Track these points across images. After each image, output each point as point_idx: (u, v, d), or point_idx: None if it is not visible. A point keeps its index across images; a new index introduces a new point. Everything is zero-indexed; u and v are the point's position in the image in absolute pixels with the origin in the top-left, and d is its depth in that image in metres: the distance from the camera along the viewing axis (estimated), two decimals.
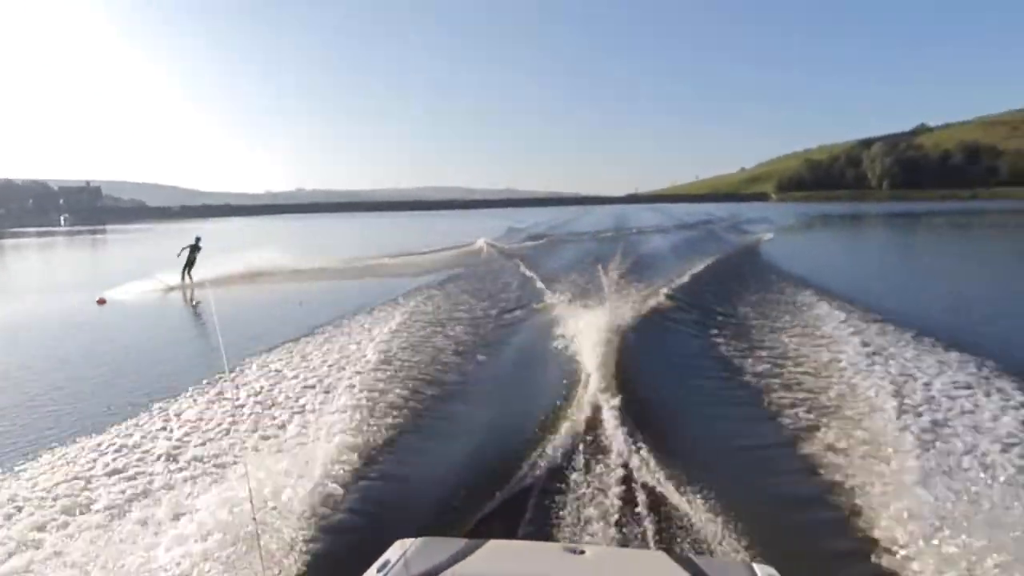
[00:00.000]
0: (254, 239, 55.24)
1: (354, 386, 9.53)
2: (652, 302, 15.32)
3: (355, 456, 7.12)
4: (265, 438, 7.95)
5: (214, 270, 25.87)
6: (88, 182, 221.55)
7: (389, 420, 8.35)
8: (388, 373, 10.30)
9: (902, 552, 5.01)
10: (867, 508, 5.77)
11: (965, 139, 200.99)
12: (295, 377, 10.50)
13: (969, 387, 8.95)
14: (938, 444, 6.93)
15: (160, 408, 9.26)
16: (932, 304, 17.73)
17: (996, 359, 10.14)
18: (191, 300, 23.03)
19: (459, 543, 2.80)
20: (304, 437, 7.78)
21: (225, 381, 10.22)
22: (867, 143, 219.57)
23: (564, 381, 9.46)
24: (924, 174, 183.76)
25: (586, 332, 11.30)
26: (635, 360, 10.23)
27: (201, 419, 8.67)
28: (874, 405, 8.22)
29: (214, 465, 7.14)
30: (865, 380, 9.25)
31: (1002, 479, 6.12)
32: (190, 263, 25.54)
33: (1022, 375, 9.41)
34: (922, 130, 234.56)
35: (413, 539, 2.85)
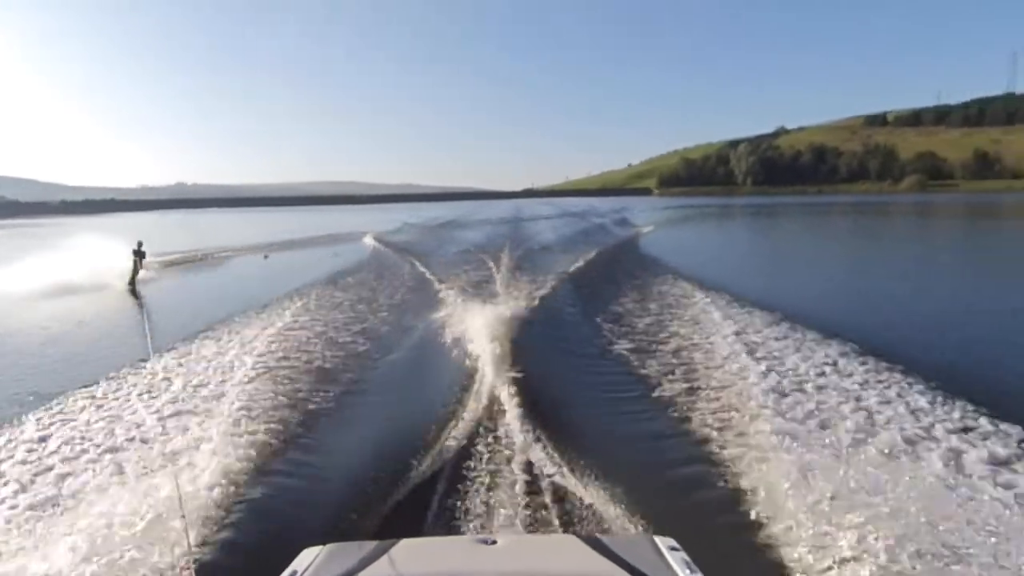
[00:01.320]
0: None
1: (240, 393, 8.69)
2: (543, 292, 15.39)
3: (248, 466, 6.47)
4: (144, 452, 6.98)
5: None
6: None
7: (282, 426, 7.64)
8: (279, 378, 9.50)
9: (777, 509, 5.32)
10: (745, 472, 6.06)
11: (814, 141, 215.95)
12: (173, 386, 9.35)
13: (831, 363, 9.60)
14: (799, 412, 7.36)
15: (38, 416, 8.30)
16: (789, 285, 19.53)
17: (844, 334, 11.12)
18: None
19: (369, 546, 2.69)
20: (188, 449, 6.93)
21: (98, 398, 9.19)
22: (734, 144, 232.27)
23: (461, 375, 9.26)
24: (780, 172, 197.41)
25: (480, 325, 11.06)
26: (530, 351, 10.17)
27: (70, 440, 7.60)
28: (745, 381, 8.62)
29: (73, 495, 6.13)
30: (735, 358, 9.75)
31: (851, 438, 6.62)
32: (135, 271, 23.01)
33: (853, 341, 10.51)
34: (781, 132, 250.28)
35: (320, 546, 2.72)
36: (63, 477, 6.34)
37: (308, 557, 2.64)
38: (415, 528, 5.37)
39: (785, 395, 7.97)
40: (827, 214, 72.96)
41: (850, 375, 8.90)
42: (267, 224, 73.79)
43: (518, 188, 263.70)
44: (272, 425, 7.58)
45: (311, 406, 8.47)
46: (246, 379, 9.33)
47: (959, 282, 20.74)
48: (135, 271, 22.98)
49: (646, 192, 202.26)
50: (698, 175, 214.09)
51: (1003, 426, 6.92)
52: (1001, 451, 6.30)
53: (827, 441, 6.47)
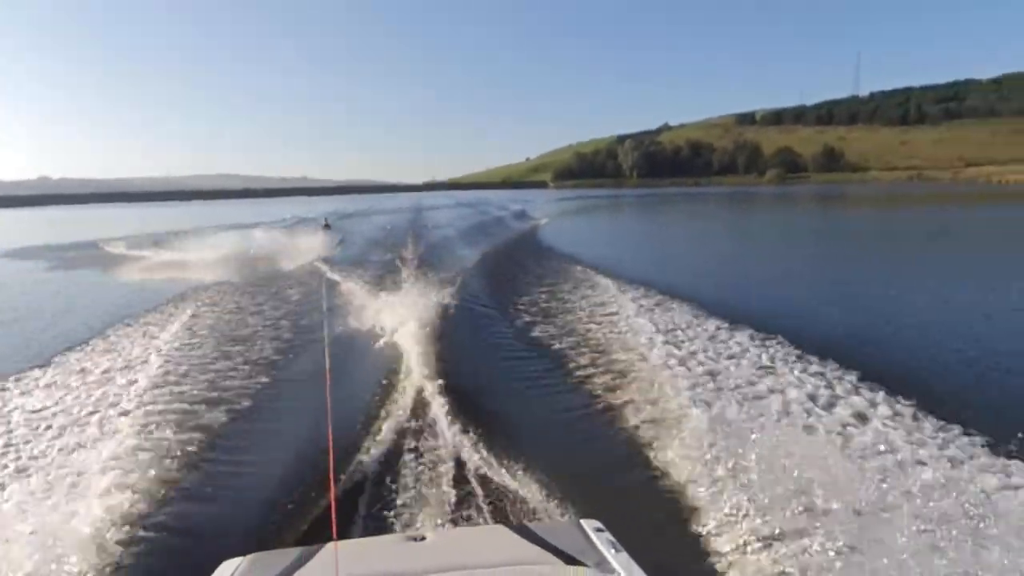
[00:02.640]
0: None
1: (144, 401, 7.93)
2: (457, 286, 14.91)
3: (158, 479, 5.88)
4: (45, 461, 6.28)
5: None
6: None
7: (192, 435, 6.98)
8: (186, 383, 8.74)
9: (693, 486, 5.44)
10: (662, 452, 6.16)
11: (691, 137, 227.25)
12: (72, 395, 8.44)
13: (737, 342, 9.91)
14: (710, 390, 7.55)
15: None
16: (684, 268, 20.22)
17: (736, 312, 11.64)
18: None
19: (293, 553, 2.59)
20: (94, 456, 6.23)
21: None
22: (622, 139, 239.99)
23: (383, 372, 8.84)
24: (662, 166, 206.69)
25: (397, 321, 10.70)
26: (451, 344, 9.90)
27: None
28: (656, 363, 8.75)
29: None
30: (647, 341, 9.89)
31: (760, 413, 6.85)
32: None
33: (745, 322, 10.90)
34: (665, 128, 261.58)
35: (241, 557, 2.59)
36: None
37: (228, 569, 2.51)
38: (342, 532, 5.08)
39: (695, 375, 8.13)
40: (705, 202, 78.58)
41: (749, 351, 9.24)
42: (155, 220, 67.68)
43: (419, 181, 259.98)
44: (181, 434, 6.96)
45: (223, 413, 7.79)
46: (150, 385, 8.51)
47: (808, 256, 22.79)
48: None
49: (542, 185, 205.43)
50: (589, 168, 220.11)
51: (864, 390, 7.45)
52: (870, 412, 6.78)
53: (739, 418, 6.63)
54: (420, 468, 6.10)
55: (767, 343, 9.69)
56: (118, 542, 4.82)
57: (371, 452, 6.39)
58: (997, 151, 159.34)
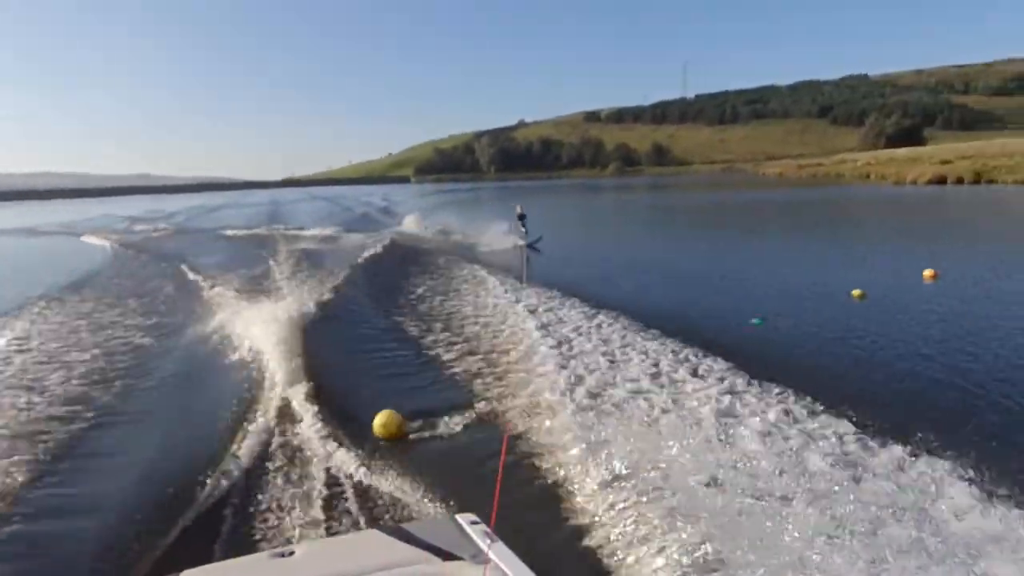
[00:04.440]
0: None
1: None
2: (326, 287, 14.09)
3: None
4: None
5: None
6: None
7: (26, 460, 5.96)
8: (14, 402, 7.51)
9: (566, 474, 5.41)
10: (536, 442, 6.11)
11: (544, 134, 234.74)
12: None
13: (603, 331, 10.06)
14: (583, 380, 7.50)
15: None
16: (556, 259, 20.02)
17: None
18: None
19: None
20: None
21: None
22: (480, 135, 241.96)
23: (248, 382, 8.04)
24: (517, 160, 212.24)
25: (261, 326, 9.82)
26: (317, 349, 9.24)
27: None
28: (527, 353, 8.76)
29: None
30: (521, 329, 9.94)
31: (631, 405, 6.83)
32: None
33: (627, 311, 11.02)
34: (521, 125, 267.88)
35: None
36: None
37: None
38: (203, 557, 4.43)
39: (567, 364, 8.07)
40: (558, 192, 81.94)
41: (620, 338, 9.34)
42: None
43: (277, 178, 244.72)
44: (11, 460, 5.88)
45: (58, 432, 6.72)
46: None
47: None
48: None
49: (405, 180, 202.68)
50: (449, 163, 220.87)
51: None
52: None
53: (612, 406, 6.60)
54: (287, 479, 5.58)
55: (640, 332, 9.64)
56: None
57: (231, 468, 5.73)
58: (791, 147, 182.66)
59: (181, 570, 2.42)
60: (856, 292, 12.40)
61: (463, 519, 2.81)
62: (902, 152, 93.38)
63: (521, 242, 22.66)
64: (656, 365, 7.98)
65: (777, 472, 4.94)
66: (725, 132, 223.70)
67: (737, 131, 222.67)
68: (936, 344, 9.20)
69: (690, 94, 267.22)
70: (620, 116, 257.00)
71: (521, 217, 23.56)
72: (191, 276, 17.43)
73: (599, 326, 10.07)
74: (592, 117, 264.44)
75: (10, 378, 8.54)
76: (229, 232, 33.96)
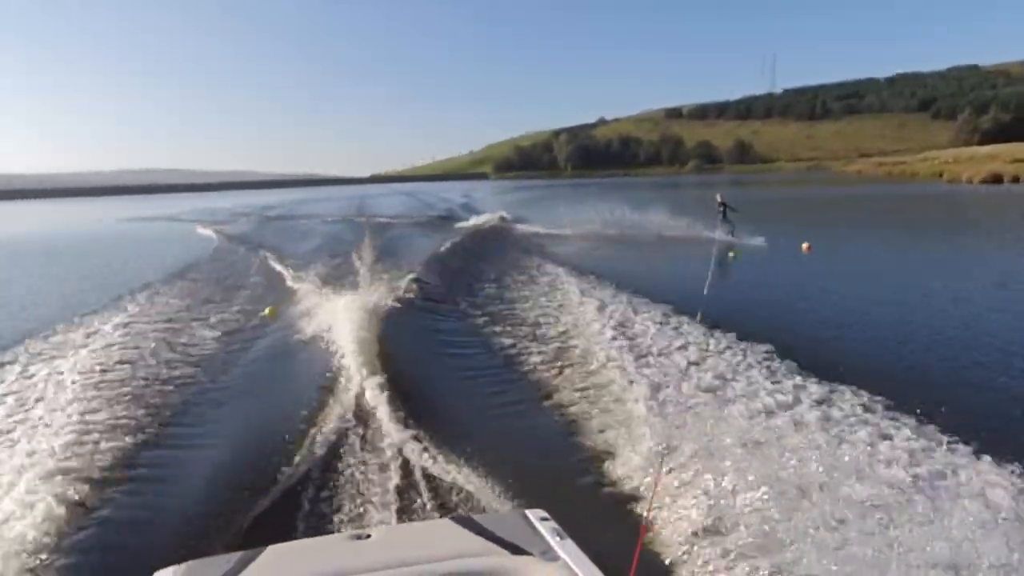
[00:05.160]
0: None
1: (75, 400, 7.23)
2: (405, 282, 14.20)
3: (88, 484, 5.30)
4: None
5: None
6: None
7: (125, 438, 6.36)
8: (119, 383, 7.97)
9: (636, 472, 5.28)
10: (608, 441, 5.97)
11: (626, 132, 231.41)
12: (5, 392, 7.73)
13: (684, 333, 9.73)
14: (656, 380, 7.30)
15: None
16: (632, 262, 19.35)
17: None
18: None
19: (232, 558, 2.37)
20: (15, 466, 5.54)
21: None
22: (558, 133, 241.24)
23: (325, 370, 8.24)
24: (595, 158, 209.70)
25: (342, 317, 10.01)
26: (396, 340, 9.36)
27: None
28: (604, 355, 8.49)
29: None
30: (596, 333, 9.60)
31: (707, 402, 6.67)
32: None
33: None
34: (601, 123, 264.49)
35: (175, 566, 2.34)
36: None
37: None
38: (284, 534, 4.62)
39: (644, 365, 7.87)
40: (637, 189, 79.99)
41: (697, 341, 8.99)
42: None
43: (364, 175, 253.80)
44: (113, 437, 6.30)
45: (157, 414, 7.14)
46: (81, 384, 7.75)
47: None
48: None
49: (484, 177, 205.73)
50: (527, 161, 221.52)
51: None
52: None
53: (686, 407, 6.43)
54: (363, 465, 5.67)
55: (714, 332, 9.37)
56: (44, 550, 4.32)
57: (312, 451, 5.90)
58: (886, 143, 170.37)
59: (266, 545, 2.48)
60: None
61: (533, 515, 2.74)
62: (985, 150, 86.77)
63: (728, 236, 20.34)
64: (745, 371, 7.66)
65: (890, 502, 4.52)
66: (813, 128, 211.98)
67: (827, 127, 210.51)
68: None
69: (778, 88, 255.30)
70: (703, 112, 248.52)
71: (723, 207, 21.13)
72: (282, 266, 18.18)
73: (677, 327, 9.74)
74: (673, 113, 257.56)
75: (118, 356, 9.17)
76: (319, 223, 35.98)
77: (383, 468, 5.58)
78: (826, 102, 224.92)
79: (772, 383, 7.15)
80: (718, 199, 21.98)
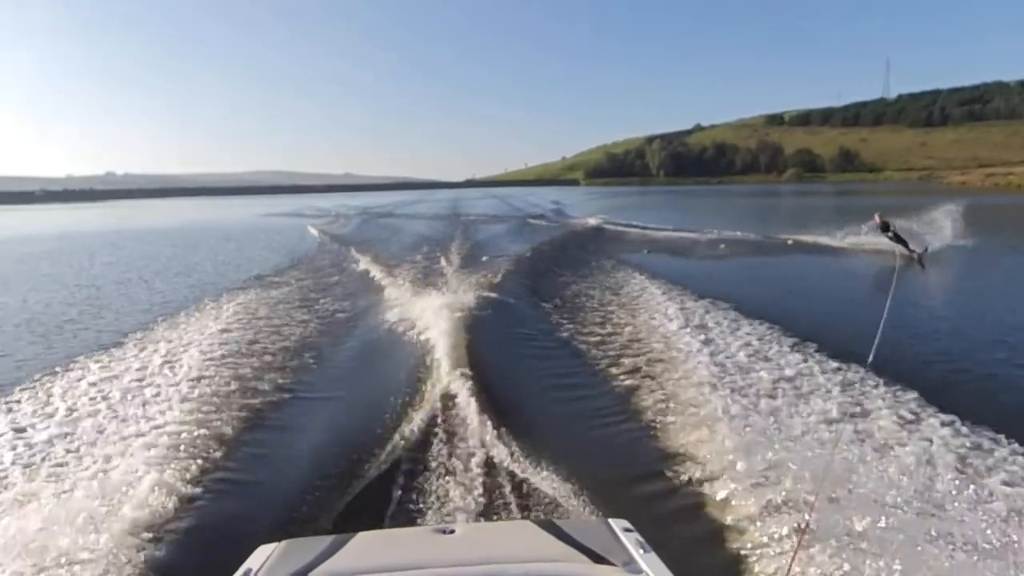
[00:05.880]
0: None
1: (192, 386, 7.77)
2: (493, 282, 14.44)
3: (202, 462, 5.74)
4: (97, 444, 6.15)
5: None
6: None
7: (236, 422, 6.82)
8: (229, 371, 8.51)
9: (724, 488, 5.02)
10: (694, 454, 5.74)
11: (722, 139, 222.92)
12: (127, 377, 8.38)
13: (768, 344, 9.31)
14: (745, 394, 7.04)
15: None
16: (724, 274, 18.49)
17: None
18: None
19: (326, 540, 2.45)
20: (141, 444, 6.04)
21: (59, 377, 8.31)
22: (650, 140, 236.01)
23: (416, 366, 8.44)
24: (688, 165, 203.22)
25: (432, 315, 10.22)
26: (483, 340, 9.44)
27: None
28: (693, 366, 8.22)
29: (35, 472, 5.50)
30: (681, 342, 9.32)
31: (793, 416, 6.34)
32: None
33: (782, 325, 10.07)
34: (697, 129, 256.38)
35: (276, 543, 2.46)
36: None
37: (263, 554, 2.38)
38: (373, 521, 4.80)
39: (730, 378, 7.59)
40: (730, 196, 76.87)
41: (787, 356, 8.58)
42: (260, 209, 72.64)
43: (459, 179, 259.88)
44: (223, 420, 6.76)
45: (263, 400, 7.59)
46: (195, 373, 8.34)
47: None
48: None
49: (575, 183, 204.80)
50: (619, 167, 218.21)
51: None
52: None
53: (771, 420, 6.18)
54: (449, 461, 5.75)
55: (805, 346, 8.89)
56: (162, 520, 4.70)
57: (401, 443, 6.06)
58: (1012, 153, 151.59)
59: (356, 531, 2.54)
60: None
61: (616, 524, 2.66)
62: None
63: (907, 251, 18.01)
64: (834, 385, 7.14)
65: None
66: (929, 135, 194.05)
67: (945, 134, 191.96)
68: None
69: (892, 93, 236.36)
70: (806, 118, 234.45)
71: (886, 227, 19.04)
72: (379, 264, 18.86)
73: (769, 339, 9.25)
74: (774, 120, 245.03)
75: (228, 346, 9.73)
76: (414, 222, 37.88)
77: (466, 465, 5.63)
78: (945, 108, 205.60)
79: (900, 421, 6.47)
80: (876, 220, 19.66)
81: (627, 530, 2.62)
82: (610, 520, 2.73)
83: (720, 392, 7.00)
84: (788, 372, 7.86)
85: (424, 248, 23.13)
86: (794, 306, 12.62)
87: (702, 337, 9.49)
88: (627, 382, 7.95)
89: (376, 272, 17.45)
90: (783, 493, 4.71)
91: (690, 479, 5.35)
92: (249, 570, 2.27)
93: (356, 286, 16.06)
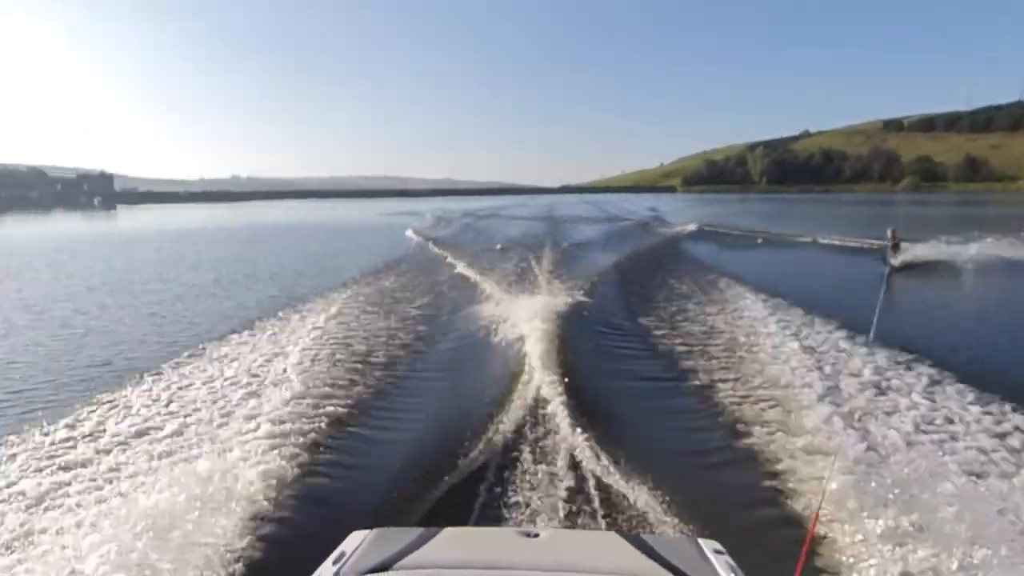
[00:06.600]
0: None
1: (293, 379, 8.13)
2: (587, 287, 14.21)
3: (305, 450, 6.01)
4: (212, 428, 6.56)
5: None
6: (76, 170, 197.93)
7: (336, 413, 7.07)
8: (331, 366, 8.82)
9: (831, 521, 4.56)
10: (794, 478, 5.33)
11: (832, 145, 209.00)
12: (237, 368, 8.86)
13: (879, 363, 8.57)
14: (854, 417, 6.48)
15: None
16: (818, 284, 17.34)
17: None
18: None
19: (415, 532, 2.45)
20: (249, 431, 6.40)
21: (174, 369, 8.94)
22: (753, 146, 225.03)
23: (508, 368, 8.44)
24: (792, 172, 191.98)
25: (525, 319, 10.16)
26: (575, 345, 9.29)
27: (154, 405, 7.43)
28: (794, 380, 7.73)
29: (152, 458, 5.87)
30: (784, 355, 8.78)
31: (905, 442, 5.80)
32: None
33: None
34: (805, 135, 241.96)
35: (368, 530, 2.49)
36: (117, 461, 5.82)
37: (356, 540, 2.42)
38: (459, 517, 4.84)
39: (836, 396, 7.04)
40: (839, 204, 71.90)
41: (902, 376, 7.89)
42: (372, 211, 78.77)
43: (554, 184, 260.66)
44: (325, 412, 7.04)
45: (362, 395, 7.86)
46: (298, 365, 8.75)
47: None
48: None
49: (671, 190, 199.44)
50: (719, 174, 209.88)
51: None
52: None
53: (880, 444, 5.66)
54: (535, 465, 5.67)
55: (918, 364, 8.19)
56: (269, 501, 4.94)
57: (490, 443, 6.05)
58: None
59: (443, 526, 2.55)
60: None
61: (706, 544, 2.48)
62: None
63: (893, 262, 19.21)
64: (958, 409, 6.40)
65: None
66: None
67: None
68: None
69: None
70: (929, 123, 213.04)
71: (895, 245, 19.98)
72: (475, 265, 19.11)
73: (880, 359, 8.42)
74: (892, 125, 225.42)
75: (331, 341, 10.11)
76: (510, 226, 38.77)
77: (553, 469, 5.53)
78: None
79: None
80: (889, 235, 20.44)
81: (718, 552, 2.44)
82: (700, 539, 2.56)
83: (834, 417, 6.42)
84: (918, 400, 7.09)
85: (519, 250, 23.28)
86: (928, 327, 11.47)
87: (812, 352, 8.84)
88: (725, 396, 7.55)
89: (472, 273, 17.70)
90: (891, 530, 4.23)
91: (790, 506, 4.95)
92: (343, 553, 2.33)
93: (454, 286, 16.37)
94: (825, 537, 4.36)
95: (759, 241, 29.41)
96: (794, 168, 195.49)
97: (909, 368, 8.17)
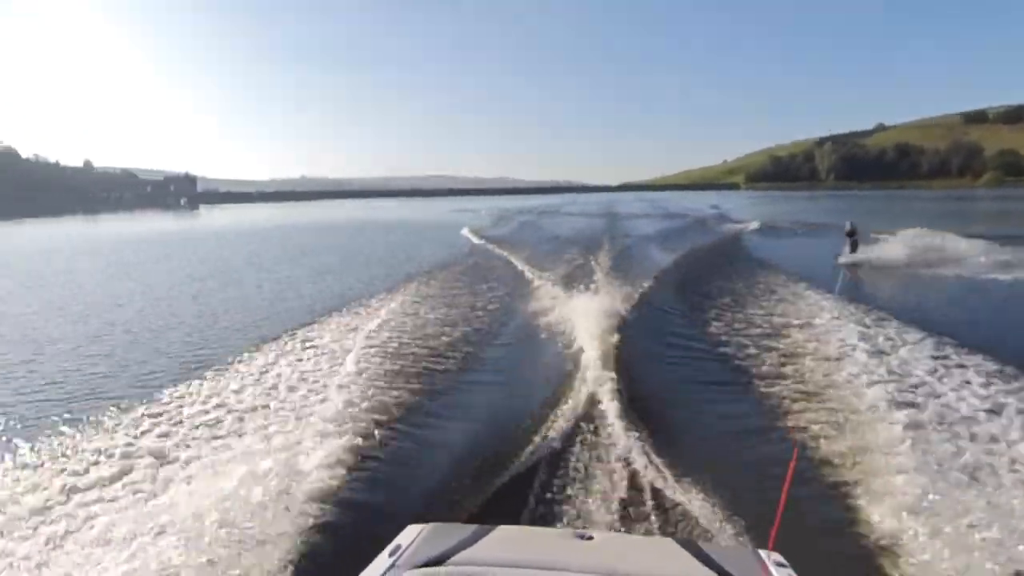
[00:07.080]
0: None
1: (357, 373, 8.22)
2: (645, 286, 13.84)
3: (363, 443, 6.08)
4: (272, 421, 6.73)
5: None
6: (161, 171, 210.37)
7: (395, 407, 7.14)
8: (390, 362, 8.85)
9: (895, 530, 4.36)
10: (863, 491, 5.01)
11: (909, 139, 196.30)
12: (297, 362, 9.06)
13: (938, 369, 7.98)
14: (928, 427, 6.03)
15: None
16: (894, 287, 16.25)
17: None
18: None
19: (469, 529, 2.46)
20: (311, 423, 6.53)
21: (235, 363, 9.26)
22: (821, 141, 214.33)
23: (563, 367, 8.30)
24: (863, 168, 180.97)
25: (581, 317, 9.97)
26: (632, 346, 9.05)
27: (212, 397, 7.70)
28: (860, 385, 7.29)
29: (219, 448, 6.06)
30: (853, 361, 8.25)
31: (986, 461, 5.31)
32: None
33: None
34: (879, 129, 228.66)
35: (424, 524, 2.52)
36: (176, 454, 5.98)
37: (411, 533, 2.44)
38: (513, 515, 4.76)
39: (908, 406, 6.55)
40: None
41: (981, 383, 7.28)
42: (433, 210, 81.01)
43: (613, 182, 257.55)
44: (383, 406, 7.11)
45: (418, 390, 7.89)
46: (359, 361, 8.82)
47: None
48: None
49: (735, 187, 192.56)
50: (784, 171, 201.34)
51: None
52: None
53: (958, 461, 5.22)
54: (590, 466, 5.53)
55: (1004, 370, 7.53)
56: (328, 491, 5.04)
57: (545, 443, 5.94)
58: None
59: (497, 523, 2.54)
60: None
61: (767, 556, 2.37)
62: None
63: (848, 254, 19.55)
64: None
65: None
66: None
67: None
68: None
69: None
70: (1017, 115, 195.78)
71: (851, 234, 20.14)
72: (532, 262, 19.03)
73: (961, 364, 7.82)
74: (975, 117, 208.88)
75: (381, 342, 10.02)
76: (565, 225, 38.46)
77: (608, 472, 5.39)
78: None
79: None
80: (848, 228, 20.22)
81: (780, 564, 2.31)
82: (760, 551, 2.44)
83: (907, 427, 5.98)
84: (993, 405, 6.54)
85: (575, 249, 23.03)
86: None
87: (887, 363, 8.20)
88: (789, 402, 7.16)
89: (529, 270, 17.62)
90: (968, 551, 3.90)
91: (859, 519, 4.64)
92: (399, 546, 2.34)
93: (510, 283, 16.35)
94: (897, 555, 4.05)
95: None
96: (865, 164, 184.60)
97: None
